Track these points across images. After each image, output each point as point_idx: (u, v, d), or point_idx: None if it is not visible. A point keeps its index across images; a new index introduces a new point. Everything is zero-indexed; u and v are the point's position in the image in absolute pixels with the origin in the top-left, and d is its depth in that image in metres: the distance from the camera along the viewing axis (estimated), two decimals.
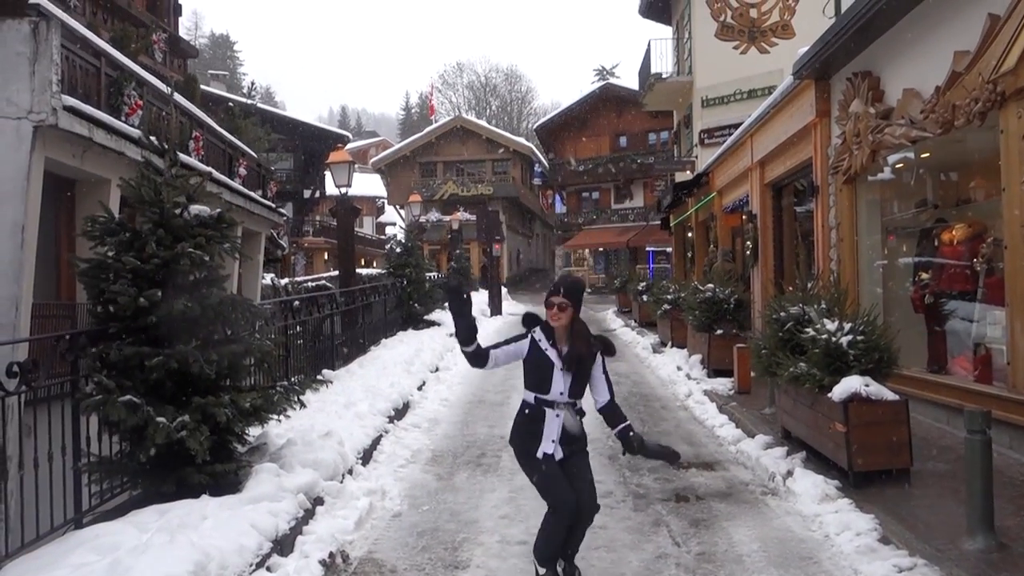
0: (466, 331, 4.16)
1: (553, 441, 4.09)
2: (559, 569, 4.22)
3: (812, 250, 11.23)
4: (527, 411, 4.19)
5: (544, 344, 4.13)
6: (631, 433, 4.20)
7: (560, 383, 4.08)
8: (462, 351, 4.25)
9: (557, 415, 4.10)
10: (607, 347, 4.29)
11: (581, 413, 4.21)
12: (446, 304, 4.28)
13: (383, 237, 50.13)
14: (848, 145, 9.12)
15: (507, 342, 4.23)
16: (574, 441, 4.17)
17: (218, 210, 5.67)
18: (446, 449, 7.66)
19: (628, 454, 4.34)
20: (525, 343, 4.17)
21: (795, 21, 13.55)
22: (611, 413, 4.22)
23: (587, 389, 4.20)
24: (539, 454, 4.09)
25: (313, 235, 40.83)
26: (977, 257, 7.55)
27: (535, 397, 4.14)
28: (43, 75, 7.04)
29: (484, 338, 4.23)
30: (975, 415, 4.41)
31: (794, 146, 11.56)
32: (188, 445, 4.84)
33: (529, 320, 4.27)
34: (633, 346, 16.19)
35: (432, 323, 17.62)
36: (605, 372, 4.24)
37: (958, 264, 7.84)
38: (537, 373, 4.12)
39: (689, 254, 22.28)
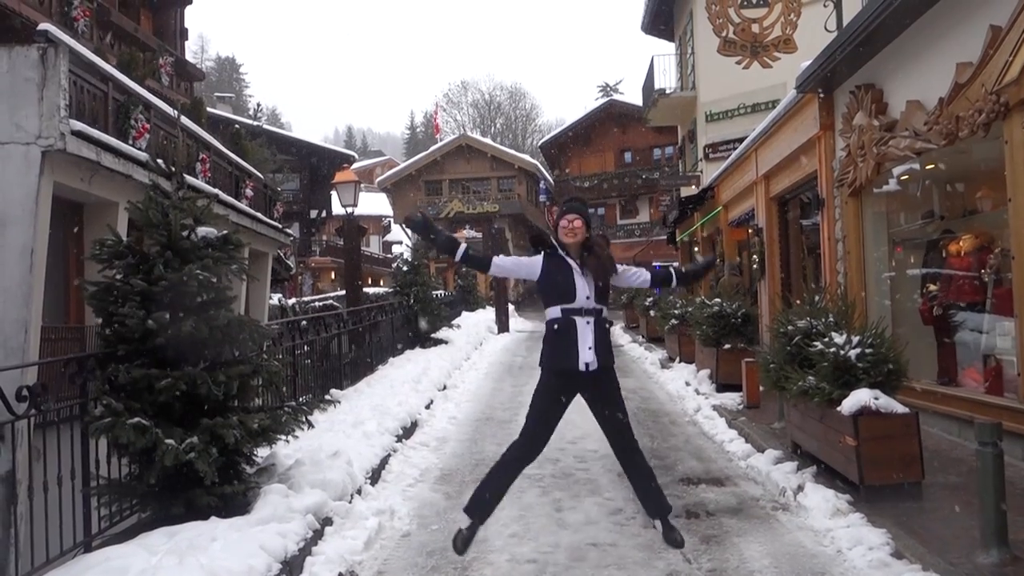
0: (444, 243, 4.19)
1: (590, 348, 4.00)
2: (656, 524, 4.27)
3: (819, 263, 11.20)
4: (556, 326, 4.08)
5: (560, 252, 4.11)
6: (683, 269, 4.33)
7: (584, 287, 4.02)
8: (460, 259, 4.23)
9: (588, 322, 4.01)
10: (596, 271, 4.27)
11: (609, 322, 4.15)
12: (417, 228, 4.39)
13: (389, 256, 50.28)
14: (853, 158, 9.12)
15: (515, 257, 4.29)
16: (609, 352, 4.10)
17: (225, 231, 5.70)
18: (455, 467, 7.63)
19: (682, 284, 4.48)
20: (537, 261, 4.14)
21: (797, 36, 13.55)
22: (659, 277, 4.34)
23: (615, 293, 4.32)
24: (581, 366, 4.01)
25: (320, 255, 40.97)
26: (985, 268, 7.52)
27: (561, 309, 4.05)
28: (51, 100, 7.12)
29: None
30: (986, 427, 4.38)
31: (799, 159, 11.57)
32: (197, 467, 4.84)
33: (538, 240, 4.26)
34: (641, 361, 16.14)
35: (439, 341, 17.61)
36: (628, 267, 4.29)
37: (966, 275, 7.81)
38: (559, 283, 4.06)
39: None
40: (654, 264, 4.58)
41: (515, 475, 4.32)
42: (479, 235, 39.44)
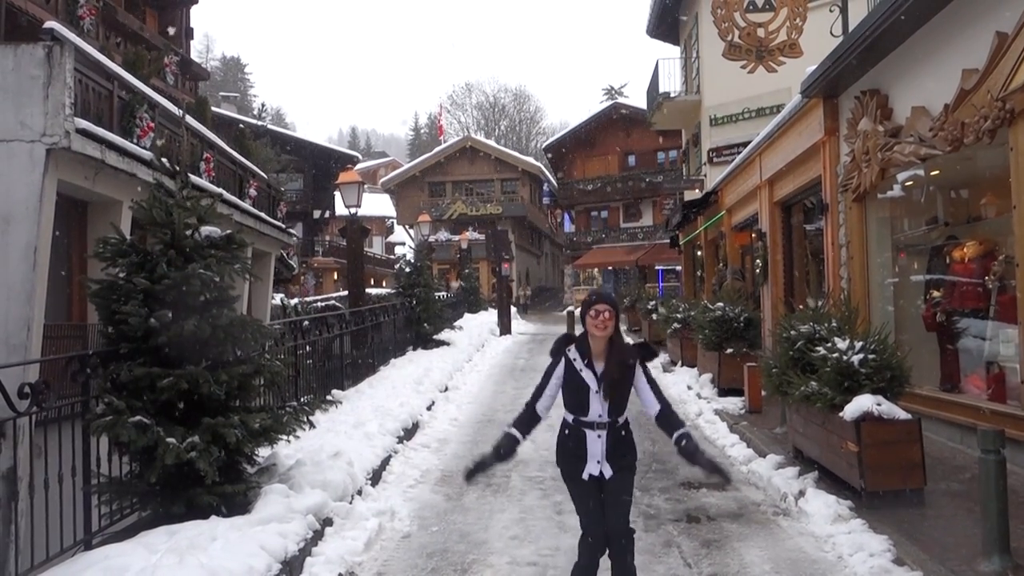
0: (504, 450, 4.01)
1: (598, 461, 3.94)
2: None
3: (822, 268, 11.19)
4: (567, 432, 4.03)
5: (579, 364, 3.95)
6: (684, 443, 3.96)
7: (598, 406, 3.92)
8: (522, 443, 4.08)
9: (599, 436, 3.94)
10: (646, 352, 4.09)
11: (626, 430, 4.03)
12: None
13: (392, 257, 50.28)
14: (857, 163, 9.11)
15: (543, 384, 4.05)
16: (622, 457, 3.99)
17: (228, 231, 5.71)
18: (455, 469, 7.63)
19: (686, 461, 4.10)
20: (560, 371, 4.00)
21: (803, 40, 13.54)
22: (666, 422, 4.01)
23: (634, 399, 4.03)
24: (585, 476, 3.95)
25: (323, 255, 41.00)
26: (989, 275, 7.51)
27: (574, 419, 3.98)
28: (56, 98, 7.12)
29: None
30: (989, 434, 4.37)
31: (803, 164, 11.55)
32: (198, 466, 4.84)
33: (560, 343, 4.09)
34: None
35: (442, 343, 17.62)
36: (650, 381, 4.04)
37: (970, 282, 7.80)
38: (574, 396, 3.96)
39: (699, 272, 22.25)
40: (658, 402, 4.44)
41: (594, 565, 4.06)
42: (482, 237, 39.48)
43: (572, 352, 3.99)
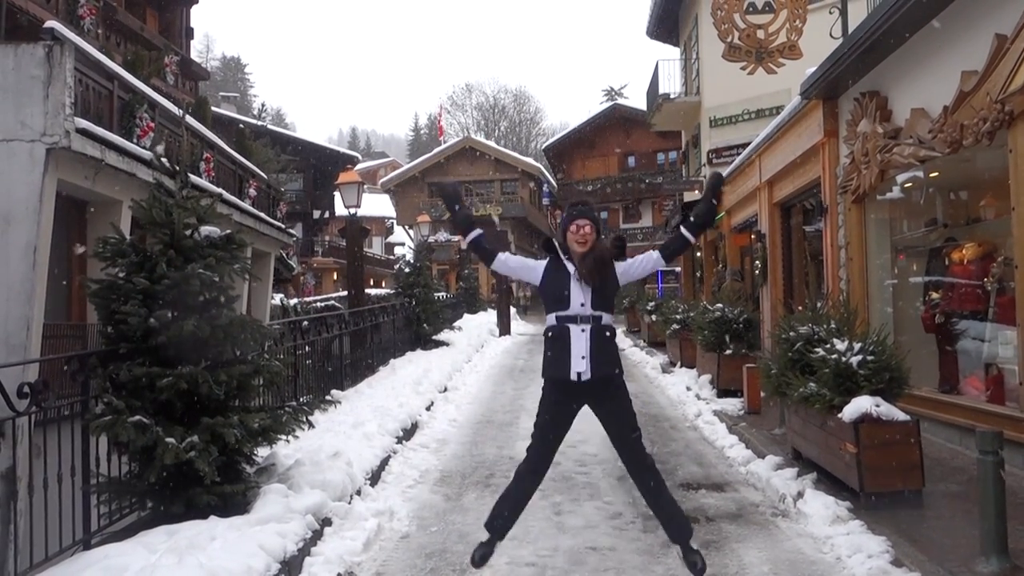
0: (464, 219, 4.19)
1: (583, 357, 3.86)
2: (678, 553, 4.18)
3: (821, 269, 11.20)
4: (550, 333, 3.99)
5: (563, 259, 4.02)
6: (691, 218, 4.11)
7: (579, 294, 3.90)
8: (468, 241, 4.18)
9: (582, 330, 3.87)
10: (620, 246, 4.18)
11: (610, 330, 4.00)
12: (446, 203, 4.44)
13: (392, 257, 50.28)
14: (856, 165, 9.12)
15: (523, 259, 4.21)
16: (607, 362, 3.95)
17: (228, 231, 5.71)
18: (455, 469, 7.63)
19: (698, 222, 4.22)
20: (540, 265, 4.07)
21: (802, 42, 13.55)
22: (671, 246, 4.16)
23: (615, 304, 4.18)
24: (573, 375, 3.88)
25: (323, 255, 40.98)
26: (988, 276, 7.52)
27: (556, 316, 3.95)
28: (57, 98, 7.12)
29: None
30: (987, 435, 4.38)
31: (802, 166, 11.56)
32: (197, 466, 4.84)
33: (548, 245, 4.16)
34: (642, 366, 16.13)
35: (441, 343, 17.62)
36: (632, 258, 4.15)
37: (969, 283, 7.81)
38: (554, 289, 3.96)
39: (698, 273, 22.25)
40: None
41: (529, 489, 4.20)
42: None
43: (557, 249, 4.09)
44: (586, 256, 3.98)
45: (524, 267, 4.16)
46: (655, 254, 4.17)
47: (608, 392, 4.04)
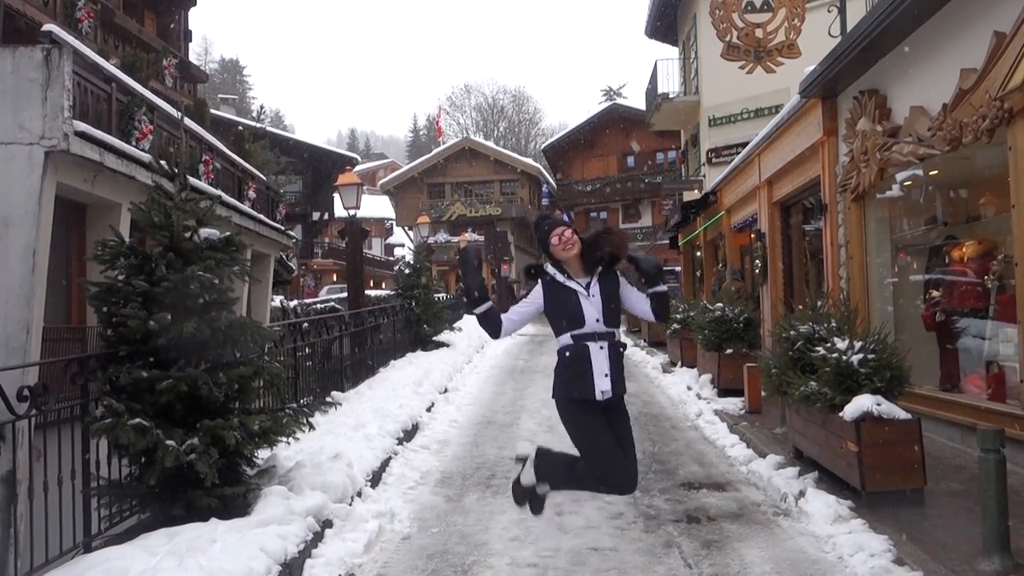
0: (476, 289, 3.92)
1: (606, 375, 3.76)
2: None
3: (821, 268, 11.19)
4: (567, 354, 3.84)
5: (561, 277, 3.86)
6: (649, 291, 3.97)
7: (592, 309, 3.79)
8: (475, 315, 3.97)
9: (601, 347, 3.77)
10: (618, 248, 4.00)
11: (623, 345, 3.92)
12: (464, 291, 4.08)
13: (392, 258, 50.31)
14: (856, 163, 9.11)
15: (520, 303, 3.99)
16: (623, 379, 3.88)
17: (228, 233, 5.70)
18: (455, 471, 7.62)
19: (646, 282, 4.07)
20: (538, 293, 3.91)
21: (801, 41, 13.54)
22: (655, 308, 3.98)
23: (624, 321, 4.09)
24: (598, 395, 3.76)
25: (322, 257, 41.01)
26: (988, 274, 7.51)
27: (572, 336, 3.81)
28: (55, 101, 7.12)
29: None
30: (988, 434, 4.37)
31: (802, 164, 11.56)
32: (197, 468, 4.83)
33: (531, 269, 4.04)
34: (643, 366, 16.13)
35: (441, 344, 17.61)
36: (630, 284, 4.03)
37: (969, 281, 7.80)
38: (564, 309, 3.82)
39: (698, 273, 22.25)
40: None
41: (592, 489, 4.03)
42: (481, 238, 39.50)
43: (550, 270, 3.92)
44: (600, 255, 3.87)
45: (526, 309, 3.98)
46: (648, 307, 4.05)
47: (619, 409, 3.97)
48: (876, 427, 5.52)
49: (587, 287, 3.85)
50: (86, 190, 8.04)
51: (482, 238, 39.44)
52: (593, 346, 3.80)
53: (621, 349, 3.93)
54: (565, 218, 4.11)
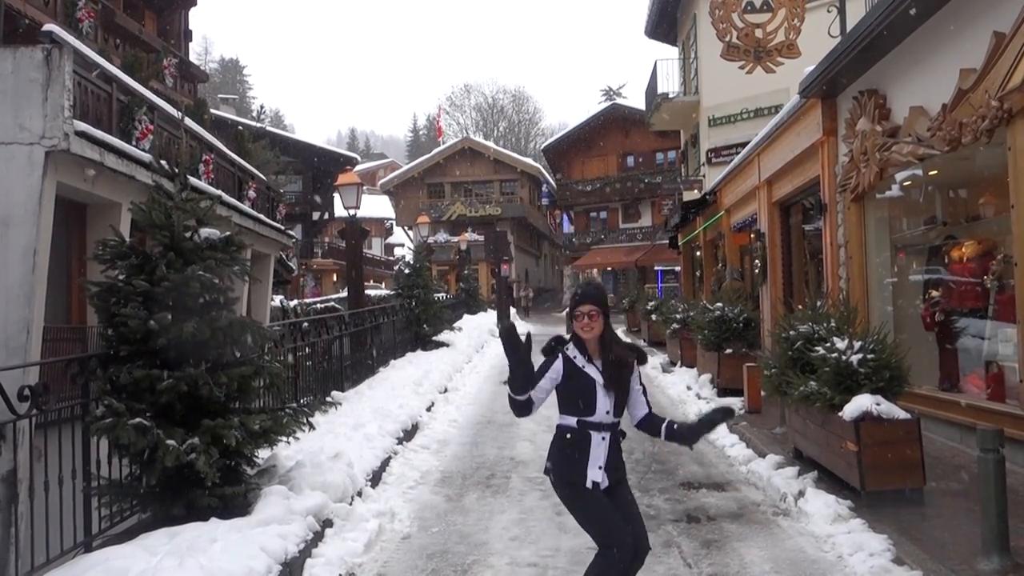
0: (524, 378, 3.73)
1: (600, 468, 3.73)
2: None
3: (821, 268, 11.20)
4: (568, 436, 3.78)
5: (580, 360, 3.77)
6: (675, 425, 3.88)
7: (605, 402, 3.73)
8: (513, 398, 3.81)
9: (603, 438, 3.74)
10: (640, 355, 3.96)
11: (623, 435, 3.87)
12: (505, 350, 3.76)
13: (392, 258, 50.30)
14: (856, 163, 9.12)
15: (539, 374, 3.81)
16: (619, 468, 3.84)
17: (228, 233, 5.71)
18: (455, 470, 7.63)
19: (689, 445, 4.00)
20: (558, 367, 3.79)
21: (801, 41, 13.54)
22: (650, 423, 3.90)
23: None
24: (588, 484, 3.73)
25: (322, 257, 40.97)
26: (987, 274, 7.51)
27: (578, 421, 3.77)
28: (55, 101, 7.11)
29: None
30: (988, 433, 4.38)
31: (801, 164, 11.56)
32: (198, 468, 4.84)
33: (553, 343, 3.90)
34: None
35: (441, 344, 17.61)
36: (642, 383, 3.92)
37: (968, 281, 7.81)
38: (578, 395, 3.76)
39: (698, 273, 22.26)
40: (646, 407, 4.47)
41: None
42: (481, 238, 39.49)
43: (571, 350, 3.83)
44: (611, 358, 3.78)
45: (547, 390, 3.83)
46: (643, 412, 3.95)
47: (619, 492, 3.88)
48: (875, 427, 5.53)
49: (604, 374, 3.78)
50: (86, 190, 8.04)
51: (481, 238, 39.40)
52: (595, 436, 3.77)
53: (620, 439, 3.88)
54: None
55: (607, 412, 3.76)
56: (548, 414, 4.03)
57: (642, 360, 3.97)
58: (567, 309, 3.88)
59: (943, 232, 8.57)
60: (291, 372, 8.85)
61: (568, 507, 3.94)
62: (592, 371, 3.78)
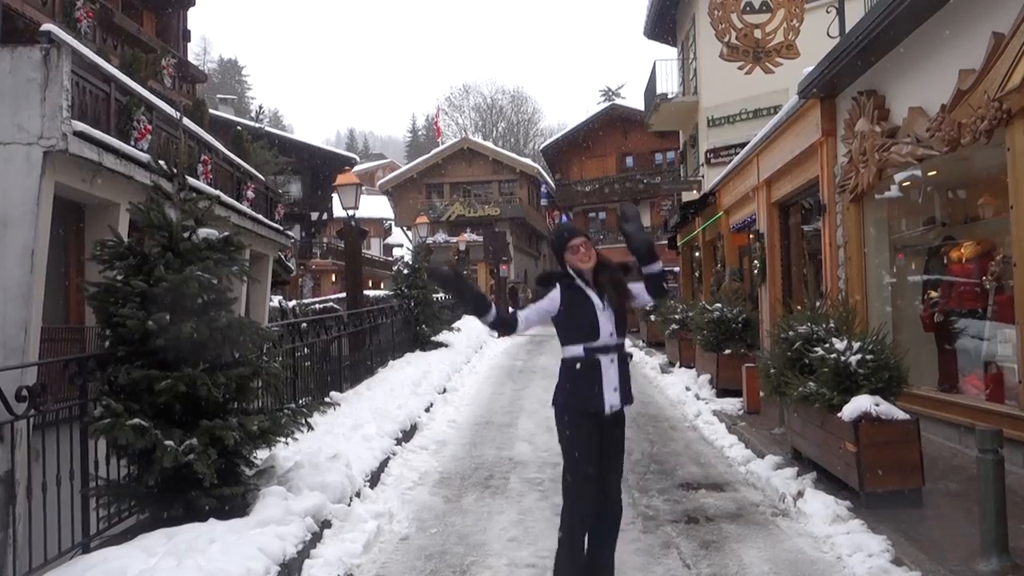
0: (474, 301, 3.84)
1: (615, 389, 3.78)
2: None
3: (820, 269, 11.20)
4: (578, 365, 3.80)
5: (580, 282, 3.84)
6: (639, 262, 3.95)
7: (607, 323, 3.79)
8: (486, 324, 3.89)
9: (611, 360, 3.78)
10: (627, 269, 4.05)
11: (629, 354, 3.93)
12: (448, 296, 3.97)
13: (390, 259, 50.28)
14: (855, 164, 9.12)
15: (535, 300, 3.94)
16: (630, 388, 3.89)
17: (226, 233, 5.70)
18: (454, 471, 7.62)
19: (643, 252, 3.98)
20: (555, 295, 3.85)
21: (800, 41, 13.55)
22: (648, 285, 3.94)
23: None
24: (607, 408, 3.77)
25: (321, 257, 40.97)
26: (986, 275, 7.52)
27: (584, 348, 3.79)
28: (54, 101, 7.11)
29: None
30: (986, 434, 4.37)
31: (800, 165, 11.57)
32: (196, 468, 4.83)
33: (547, 276, 4.00)
34: (641, 366, 16.12)
35: (440, 344, 17.60)
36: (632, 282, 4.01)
37: (967, 282, 7.81)
38: (580, 320, 3.80)
39: (696, 273, 22.26)
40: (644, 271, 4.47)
41: (581, 545, 3.91)
42: (480, 238, 39.50)
43: (571, 273, 3.90)
44: (604, 281, 3.86)
45: (540, 310, 3.91)
46: (647, 295, 4.04)
47: (620, 423, 3.97)
48: (874, 427, 5.53)
49: (602, 298, 3.86)
50: (85, 190, 8.04)
51: (480, 239, 39.40)
52: (604, 359, 3.81)
53: (628, 359, 3.96)
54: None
55: (610, 334, 3.83)
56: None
57: (628, 272, 4.06)
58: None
59: (942, 233, 8.57)
60: (290, 373, 8.85)
61: (560, 426, 3.98)
62: (592, 293, 3.87)
